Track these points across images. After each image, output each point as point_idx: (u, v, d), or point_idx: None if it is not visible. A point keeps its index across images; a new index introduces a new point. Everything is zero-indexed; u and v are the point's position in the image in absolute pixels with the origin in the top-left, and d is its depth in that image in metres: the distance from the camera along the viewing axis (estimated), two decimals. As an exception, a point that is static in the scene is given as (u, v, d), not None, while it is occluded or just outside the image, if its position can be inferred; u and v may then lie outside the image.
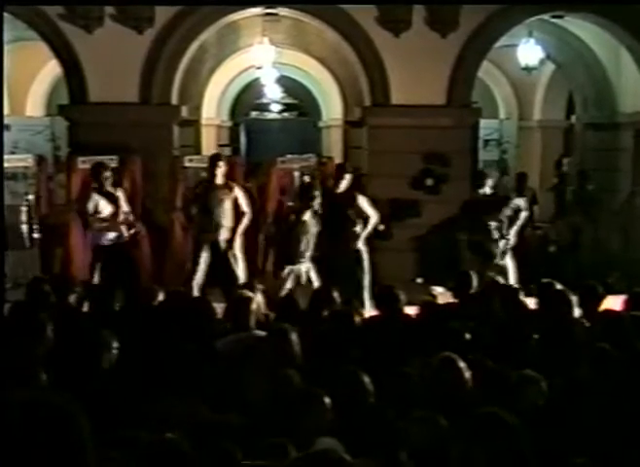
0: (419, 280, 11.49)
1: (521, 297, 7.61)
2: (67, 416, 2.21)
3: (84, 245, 11.38)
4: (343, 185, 10.47)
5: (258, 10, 13.09)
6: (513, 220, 10.62)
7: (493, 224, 10.39)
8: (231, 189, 10.60)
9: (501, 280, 8.78)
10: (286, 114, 28.05)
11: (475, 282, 7.89)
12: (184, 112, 13.17)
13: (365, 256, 10.34)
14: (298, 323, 6.28)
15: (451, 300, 8.00)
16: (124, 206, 10.89)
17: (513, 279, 10.20)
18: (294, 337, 5.59)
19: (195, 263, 10.57)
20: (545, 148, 18.71)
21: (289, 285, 9.99)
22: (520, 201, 10.95)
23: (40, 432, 2.15)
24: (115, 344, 5.32)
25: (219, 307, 7.18)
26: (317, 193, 10.12)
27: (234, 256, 10.68)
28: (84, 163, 11.56)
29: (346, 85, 17.19)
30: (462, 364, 4.69)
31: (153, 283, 10.78)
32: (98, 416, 3.83)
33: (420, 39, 12.29)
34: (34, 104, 18.55)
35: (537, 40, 14.45)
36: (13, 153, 15.07)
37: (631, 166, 14.17)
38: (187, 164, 12.01)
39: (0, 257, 8.49)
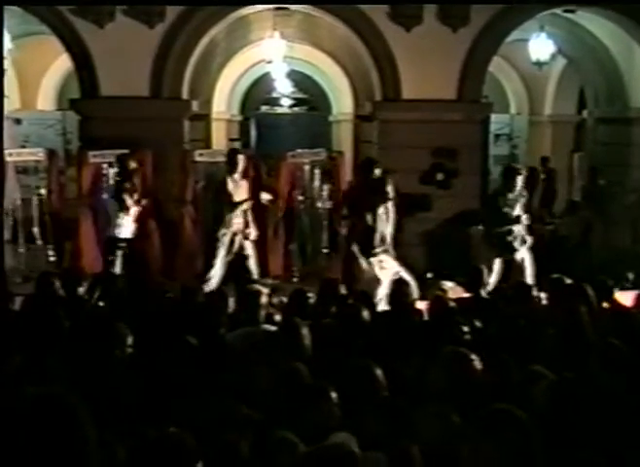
0: (429, 275, 11.47)
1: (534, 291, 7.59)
2: (66, 409, 2.23)
3: (94, 239, 11.42)
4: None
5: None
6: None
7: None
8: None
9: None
10: (296, 108, 28.00)
11: (486, 277, 7.89)
12: (194, 106, 13.18)
13: None
14: (307, 317, 6.29)
15: (463, 294, 8.01)
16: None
17: (530, 272, 10.08)
18: (305, 331, 5.60)
19: (215, 257, 10.69)
20: (555, 143, 18.66)
21: (368, 276, 9.97)
22: None
23: (39, 424, 2.17)
24: (130, 339, 5.31)
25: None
26: (390, 187, 10.10)
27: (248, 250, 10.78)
28: (95, 157, 11.60)
29: (357, 79, 17.17)
30: (474, 358, 4.69)
31: (162, 277, 10.88)
32: (110, 410, 3.85)
33: (431, 34, 12.28)
34: (45, 98, 18.60)
35: (548, 34, 14.39)
36: (24, 146, 15.14)
37: (642, 161, 14.13)
38: (197, 159, 12.04)
39: (0, 256, 8.50)
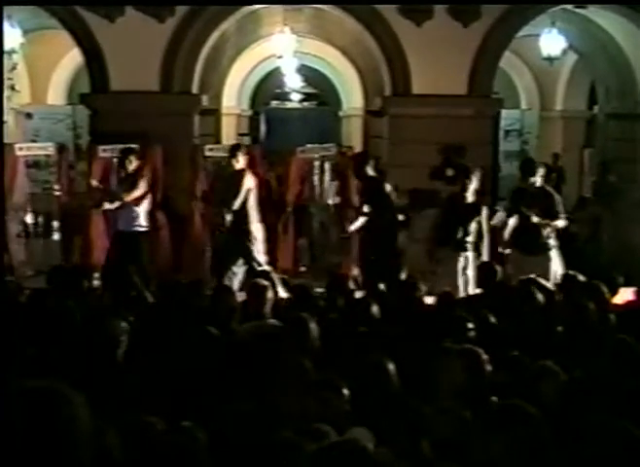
0: (439, 270, 11.44)
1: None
2: (58, 403, 2.25)
3: (104, 233, 11.43)
4: None
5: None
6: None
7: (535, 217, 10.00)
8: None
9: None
10: (306, 103, 28.03)
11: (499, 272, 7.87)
12: (204, 101, 13.18)
13: None
14: (310, 312, 6.28)
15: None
16: None
17: (556, 269, 9.84)
18: (313, 325, 5.59)
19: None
20: (566, 139, 18.61)
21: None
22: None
23: (30, 418, 2.20)
24: (124, 337, 5.27)
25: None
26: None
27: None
28: (104, 152, 11.61)
29: (367, 74, 17.15)
30: (484, 355, 4.68)
31: (171, 271, 10.89)
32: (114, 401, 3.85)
33: (442, 28, 12.24)
34: (56, 93, 18.63)
35: (560, 30, 14.34)
36: (34, 141, 15.18)
37: (654, 157, 14.07)
38: (207, 153, 12.03)
39: (0, 255, 8.53)
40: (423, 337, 5.82)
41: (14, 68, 15.33)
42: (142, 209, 10.70)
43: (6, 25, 12.48)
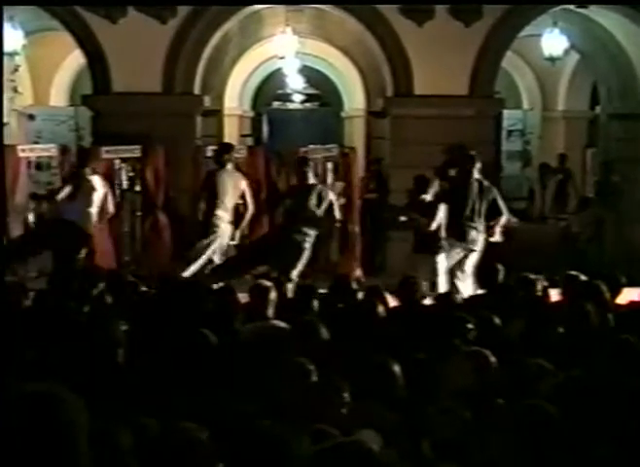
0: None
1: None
2: (54, 408, 2.26)
3: (108, 235, 11.43)
4: None
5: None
6: None
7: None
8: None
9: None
10: (308, 104, 27.97)
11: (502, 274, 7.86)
12: (206, 102, 13.19)
13: None
14: (313, 313, 6.27)
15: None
16: None
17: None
18: (323, 330, 5.56)
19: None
20: (568, 139, 18.58)
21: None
22: None
23: (30, 421, 2.20)
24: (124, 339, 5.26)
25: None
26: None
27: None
28: (107, 153, 11.61)
29: (369, 75, 17.14)
30: (491, 357, 4.68)
31: (172, 271, 10.88)
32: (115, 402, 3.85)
33: (443, 29, 12.24)
34: (58, 94, 18.62)
35: (561, 30, 14.34)
36: (36, 142, 15.18)
37: (656, 158, 14.05)
38: (209, 154, 12.03)
39: (1, 256, 8.55)
40: (426, 337, 5.82)
41: (16, 70, 15.35)
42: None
43: (8, 27, 12.51)
